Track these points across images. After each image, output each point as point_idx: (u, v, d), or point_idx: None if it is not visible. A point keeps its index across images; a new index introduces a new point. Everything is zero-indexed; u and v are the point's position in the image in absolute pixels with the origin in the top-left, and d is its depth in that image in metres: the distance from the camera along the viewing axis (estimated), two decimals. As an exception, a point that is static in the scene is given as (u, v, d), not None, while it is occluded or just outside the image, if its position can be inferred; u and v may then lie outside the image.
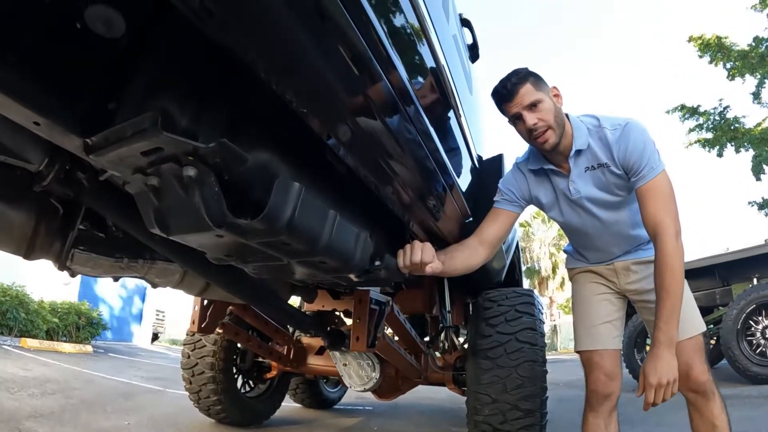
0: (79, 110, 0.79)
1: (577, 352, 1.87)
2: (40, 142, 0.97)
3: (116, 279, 1.58)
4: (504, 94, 1.59)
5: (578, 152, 1.64)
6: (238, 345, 3.09)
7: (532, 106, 1.56)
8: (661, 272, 1.49)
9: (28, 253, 1.18)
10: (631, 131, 1.57)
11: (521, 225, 26.20)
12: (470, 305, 3.58)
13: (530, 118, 1.56)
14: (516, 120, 1.61)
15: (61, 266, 1.28)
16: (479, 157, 2.35)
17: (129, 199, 0.98)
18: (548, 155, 1.69)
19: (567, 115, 1.66)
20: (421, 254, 1.45)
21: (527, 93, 1.56)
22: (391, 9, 0.97)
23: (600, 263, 1.87)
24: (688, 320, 1.64)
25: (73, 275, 1.40)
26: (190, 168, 0.80)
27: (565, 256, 2.10)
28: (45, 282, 10.58)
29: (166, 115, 0.76)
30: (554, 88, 1.65)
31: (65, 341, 9.44)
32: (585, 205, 1.71)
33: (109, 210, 1.17)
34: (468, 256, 1.69)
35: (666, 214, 1.52)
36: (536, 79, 1.59)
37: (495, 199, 1.81)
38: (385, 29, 0.90)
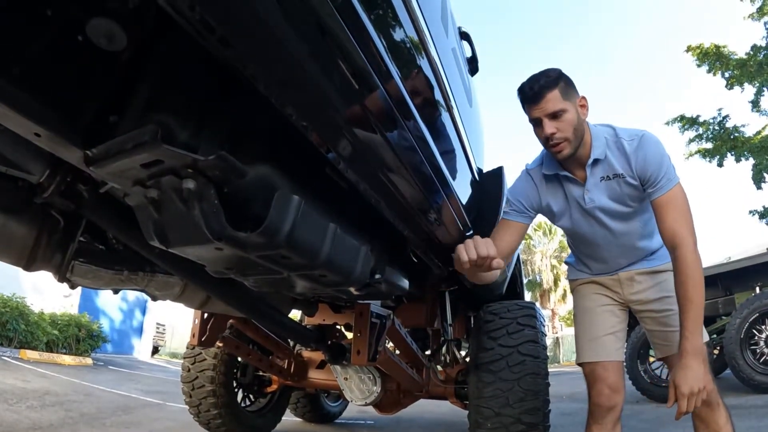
0: (80, 122, 0.80)
1: (580, 364, 1.86)
2: (41, 154, 0.97)
3: (116, 291, 1.57)
4: (530, 96, 1.56)
5: (595, 161, 1.64)
6: (239, 359, 3.07)
7: (554, 115, 1.54)
8: (684, 283, 1.49)
9: (29, 265, 1.18)
10: (648, 142, 1.58)
11: (522, 237, 26.11)
12: (472, 318, 3.57)
13: (549, 127, 1.55)
14: (536, 123, 1.60)
15: (61, 278, 1.28)
16: (479, 170, 2.35)
17: (129, 211, 0.98)
18: (563, 162, 1.68)
19: (587, 124, 1.65)
20: (487, 249, 1.43)
21: (552, 100, 1.53)
22: (391, 23, 0.97)
23: (604, 274, 1.86)
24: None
25: (73, 287, 1.39)
26: (190, 180, 0.81)
27: (566, 268, 2.08)
28: (45, 294, 10.59)
29: (166, 127, 0.77)
30: (582, 98, 1.62)
31: (65, 353, 9.39)
32: (597, 215, 1.70)
33: (110, 222, 1.17)
34: None
35: (684, 226, 1.53)
36: (566, 85, 1.56)
37: (504, 210, 1.80)
38: (385, 43, 0.91)
